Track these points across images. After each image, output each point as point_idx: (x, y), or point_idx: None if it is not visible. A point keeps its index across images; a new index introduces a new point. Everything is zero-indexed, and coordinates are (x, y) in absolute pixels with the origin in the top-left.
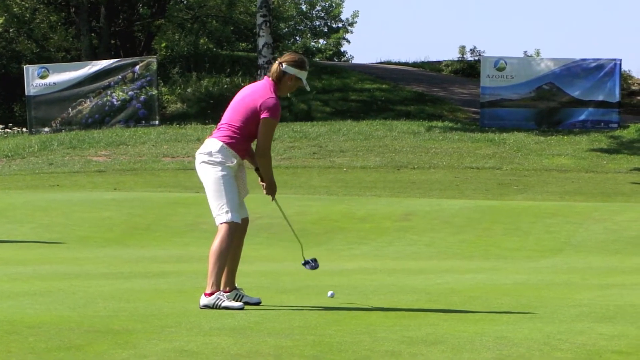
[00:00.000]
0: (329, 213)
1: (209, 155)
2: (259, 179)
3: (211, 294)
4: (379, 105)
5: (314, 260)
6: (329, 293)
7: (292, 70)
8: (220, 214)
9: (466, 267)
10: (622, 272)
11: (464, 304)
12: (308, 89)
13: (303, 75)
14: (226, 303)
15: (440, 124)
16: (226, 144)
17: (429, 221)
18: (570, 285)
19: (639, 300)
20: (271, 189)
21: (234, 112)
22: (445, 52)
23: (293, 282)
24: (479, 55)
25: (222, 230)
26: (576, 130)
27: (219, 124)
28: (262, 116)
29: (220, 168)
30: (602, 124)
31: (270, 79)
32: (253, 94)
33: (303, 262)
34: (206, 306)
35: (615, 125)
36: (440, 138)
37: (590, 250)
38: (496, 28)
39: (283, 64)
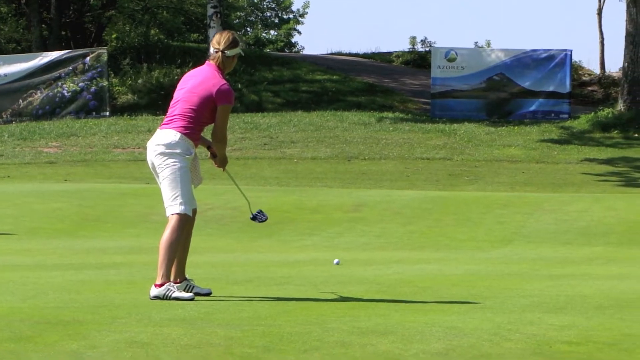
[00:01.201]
0: (280, 204)
1: (167, 146)
2: (209, 154)
3: (161, 285)
4: (329, 96)
5: (261, 212)
6: (335, 261)
7: (234, 52)
8: (173, 205)
9: (416, 258)
10: (573, 262)
11: (414, 295)
12: (243, 54)
13: (241, 48)
14: (176, 294)
15: (391, 114)
16: (184, 134)
17: (379, 212)
18: (521, 275)
19: (589, 290)
20: (223, 163)
21: (186, 102)
22: (396, 43)
23: (243, 273)
24: (430, 46)
25: (173, 222)
26: (527, 121)
27: (171, 114)
28: (219, 103)
29: (178, 159)
30: (553, 114)
31: (215, 65)
32: (204, 82)
33: (251, 217)
34: (156, 297)
35: (566, 116)
36: (391, 129)
37: (541, 241)
38: (447, 19)
39: (226, 52)
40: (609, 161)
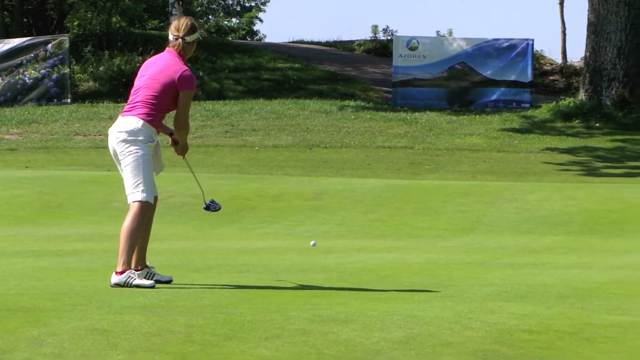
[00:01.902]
0: (241, 192)
1: (130, 133)
2: (170, 141)
3: (122, 272)
4: (291, 85)
5: (213, 201)
6: (312, 242)
7: (193, 37)
8: (135, 192)
9: (377, 246)
10: (533, 251)
11: (375, 283)
12: (201, 38)
13: (199, 34)
14: (137, 281)
15: (352, 103)
16: (146, 121)
17: (340, 200)
18: (482, 264)
19: (550, 279)
20: (184, 150)
21: (148, 89)
22: (358, 31)
23: (204, 261)
24: (392, 34)
25: (134, 209)
26: (488, 110)
27: (132, 101)
28: (182, 90)
29: (140, 147)
30: (514, 103)
31: (176, 51)
32: (166, 69)
33: (205, 207)
34: (117, 284)
35: (528, 105)
36: (352, 117)
37: (502, 230)
38: (409, 8)
39: (186, 38)
40: (570, 150)
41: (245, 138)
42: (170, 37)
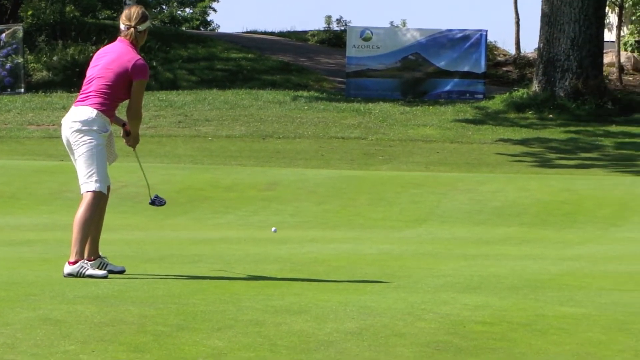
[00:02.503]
0: (194, 182)
1: (84, 123)
2: (122, 132)
3: (75, 263)
4: (244, 75)
5: (158, 196)
6: (272, 229)
7: (145, 26)
8: (88, 182)
9: (330, 237)
10: (487, 242)
11: (328, 274)
12: (152, 26)
13: (150, 22)
14: (90, 271)
15: (306, 93)
16: (100, 111)
17: (293, 191)
18: (435, 255)
19: (502, 271)
20: (135, 141)
21: (101, 79)
22: (312, 22)
23: (157, 251)
24: (345, 25)
25: (87, 199)
26: (442, 100)
27: (85, 91)
28: (135, 79)
29: (95, 136)
30: (468, 94)
31: (128, 41)
32: (119, 58)
33: (150, 202)
34: (70, 274)
35: (481, 96)
36: (305, 108)
37: (455, 221)
38: None
39: (137, 27)
40: (523, 142)
41: (199, 128)
42: (122, 26)
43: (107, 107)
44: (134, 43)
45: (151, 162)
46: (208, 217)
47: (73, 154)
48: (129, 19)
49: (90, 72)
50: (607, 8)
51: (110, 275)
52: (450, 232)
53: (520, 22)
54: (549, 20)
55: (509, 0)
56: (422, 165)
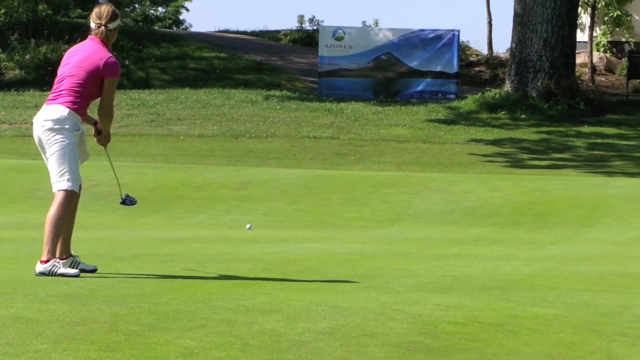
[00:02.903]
0: (166, 181)
1: (56, 122)
2: (93, 131)
3: (47, 261)
4: (217, 74)
5: (128, 196)
6: (247, 226)
7: (115, 24)
8: (61, 180)
9: (302, 237)
10: (459, 242)
11: (299, 274)
12: (122, 24)
13: (120, 20)
14: (62, 270)
15: (278, 93)
16: (72, 109)
17: (265, 190)
18: (407, 255)
19: (475, 271)
20: (107, 140)
21: (73, 77)
22: (284, 21)
23: (129, 250)
24: (318, 24)
25: (59, 197)
26: (414, 100)
27: (57, 89)
28: (107, 77)
29: (67, 135)
30: (440, 94)
31: (99, 39)
32: (90, 56)
33: (121, 202)
34: (42, 273)
35: (453, 96)
36: (278, 107)
37: (427, 221)
38: None
39: (108, 25)
40: (495, 142)
41: (171, 127)
42: (92, 24)
43: (78, 105)
44: (104, 41)
45: (123, 161)
46: (180, 216)
47: (45, 152)
48: (100, 17)
49: (61, 71)
50: (579, 8)
51: (82, 274)
52: (422, 232)
53: (493, 22)
54: (521, 21)
55: (482, 0)
56: (394, 165)
